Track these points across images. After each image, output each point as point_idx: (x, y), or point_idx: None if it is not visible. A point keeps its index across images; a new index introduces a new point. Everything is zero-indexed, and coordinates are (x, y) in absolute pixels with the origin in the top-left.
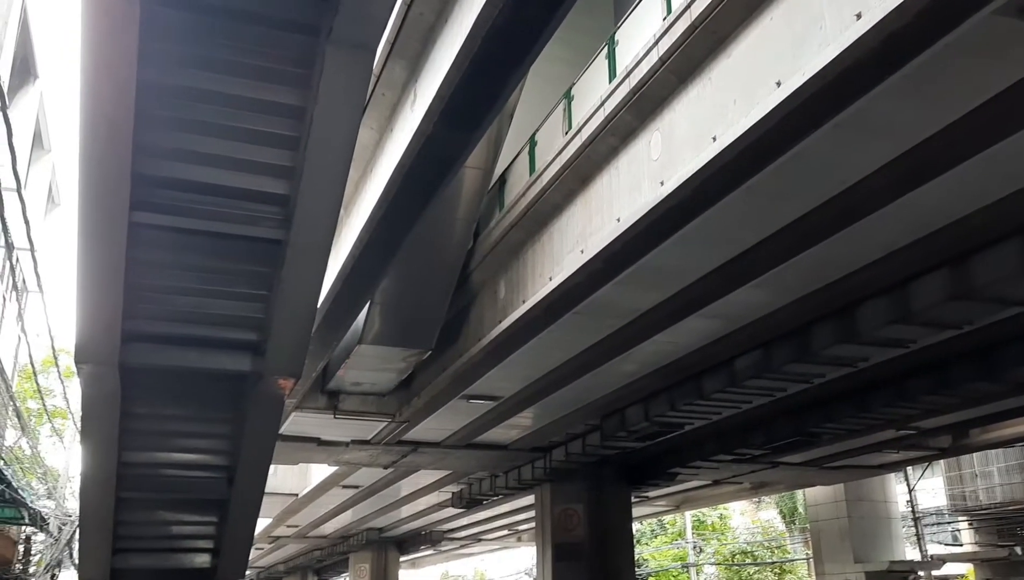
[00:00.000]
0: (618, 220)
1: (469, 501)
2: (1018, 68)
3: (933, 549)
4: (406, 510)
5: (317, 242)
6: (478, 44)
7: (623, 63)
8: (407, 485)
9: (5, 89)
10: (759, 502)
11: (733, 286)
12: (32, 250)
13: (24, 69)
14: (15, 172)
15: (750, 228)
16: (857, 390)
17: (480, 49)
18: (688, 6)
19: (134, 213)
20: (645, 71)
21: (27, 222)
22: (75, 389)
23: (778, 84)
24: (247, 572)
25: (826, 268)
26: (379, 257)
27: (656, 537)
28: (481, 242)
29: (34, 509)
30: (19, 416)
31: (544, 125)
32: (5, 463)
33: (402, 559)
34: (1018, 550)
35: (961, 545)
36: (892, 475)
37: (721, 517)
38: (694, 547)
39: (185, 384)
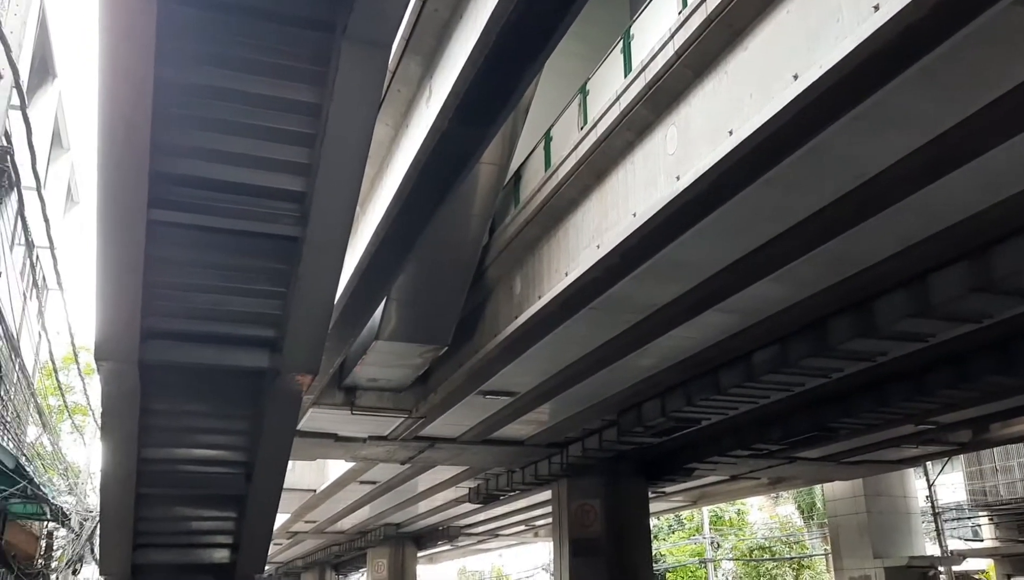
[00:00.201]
0: (634, 215)
1: (486, 497)
2: None
3: (953, 544)
4: (423, 506)
5: (333, 239)
6: (492, 40)
7: (638, 57)
8: (424, 481)
9: (24, 88)
10: (777, 497)
11: (750, 280)
12: (52, 248)
13: (43, 68)
14: (35, 171)
15: (767, 222)
16: (875, 384)
17: (495, 45)
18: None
19: (152, 211)
20: (661, 65)
21: (47, 220)
22: (95, 386)
23: (795, 77)
24: (266, 567)
25: (844, 262)
26: (395, 253)
27: (673, 532)
28: (497, 238)
29: (56, 505)
30: (40, 413)
31: (559, 120)
32: (27, 459)
33: (419, 554)
34: None
35: (981, 540)
36: (911, 470)
37: (739, 512)
38: (711, 542)
39: (203, 381)
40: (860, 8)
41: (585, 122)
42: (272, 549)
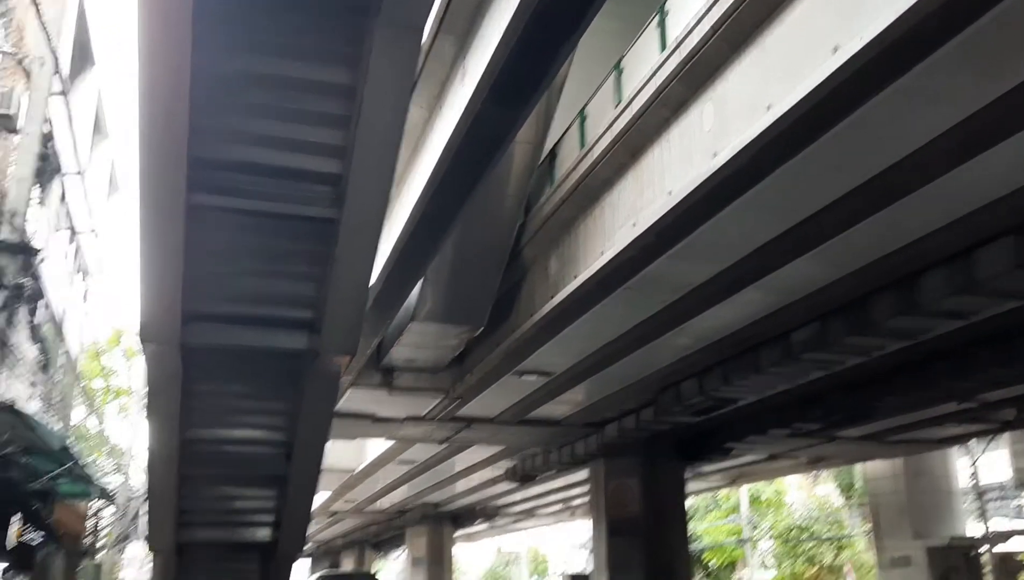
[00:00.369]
0: (670, 193)
1: (523, 476)
2: None
3: (996, 524)
4: (461, 485)
5: (369, 220)
6: (526, 19)
7: (673, 33)
8: (461, 460)
9: (65, 76)
10: (816, 477)
11: (789, 258)
12: (95, 234)
13: (82, 56)
14: (76, 157)
15: (806, 198)
16: (918, 363)
17: (528, 24)
18: None
19: (191, 195)
20: (696, 41)
21: (90, 207)
22: (139, 368)
23: (834, 50)
24: (306, 546)
25: (885, 238)
26: (430, 235)
27: (710, 512)
28: (532, 218)
29: (102, 485)
30: (86, 395)
31: (594, 98)
32: (74, 440)
33: (457, 533)
34: None
35: None
36: (954, 449)
37: (777, 492)
38: (749, 522)
39: (244, 362)
40: None
41: (620, 100)
42: (312, 528)
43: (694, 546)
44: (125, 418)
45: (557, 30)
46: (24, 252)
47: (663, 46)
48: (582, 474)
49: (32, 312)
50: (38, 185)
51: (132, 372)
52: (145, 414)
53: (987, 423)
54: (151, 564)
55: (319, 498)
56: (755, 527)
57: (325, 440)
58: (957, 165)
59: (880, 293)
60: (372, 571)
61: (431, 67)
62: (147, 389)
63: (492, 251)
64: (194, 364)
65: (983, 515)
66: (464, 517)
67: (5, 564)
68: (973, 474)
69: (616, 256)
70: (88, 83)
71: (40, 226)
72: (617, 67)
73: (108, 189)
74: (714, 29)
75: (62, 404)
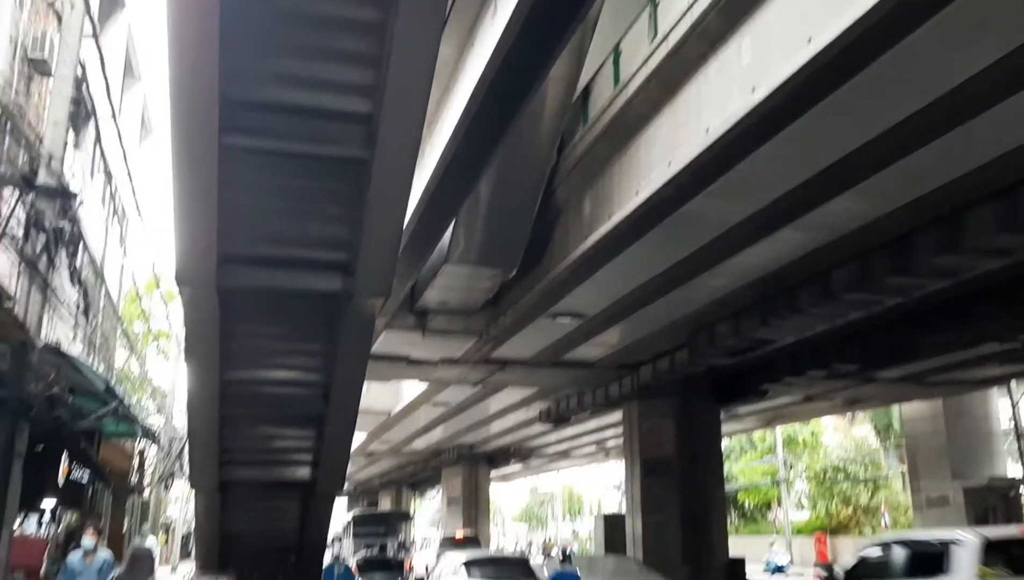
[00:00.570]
0: (707, 130)
1: (557, 418)
2: None
3: None
4: (495, 427)
5: (401, 160)
6: None
7: None
8: (496, 402)
9: (96, 18)
10: (852, 418)
11: (829, 195)
12: (130, 177)
13: None
14: (109, 100)
15: (849, 133)
16: (960, 301)
17: None
18: None
19: (224, 136)
20: None
21: (123, 150)
22: (177, 312)
23: None
24: (345, 486)
25: (929, 174)
26: (462, 176)
27: (745, 453)
28: (565, 157)
29: (145, 425)
30: (127, 337)
31: (628, 33)
32: (117, 381)
33: (492, 474)
34: None
35: None
36: (994, 390)
37: (813, 433)
38: (784, 463)
39: (280, 305)
40: None
41: (656, 34)
42: (351, 468)
43: (729, 487)
44: (165, 361)
45: None
46: (62, 196)
47: None
48: (616, 416)
49: (72, 256)
50: (72, 129)
51: (171, 316)
52: (184, 356)
53: None
54: (195, 502)
55: (357, 439)
56: (790, 468)
57: (361, 381)
58: (1004, 99)
59: (923, 231)
60: (406, 510)
61: (461, 4)
62: (186, 332)
63: (525, 192)
64: (231, 307)
65: (1022, 456)
66: (499, 458)
67: (55, 500)
68: (1013, 415)
69: (651, 195)
70: (118, 25)
71: (76, 170)
72: (653, 0)
73: (141, 133)
74: None
75: (104, 347)
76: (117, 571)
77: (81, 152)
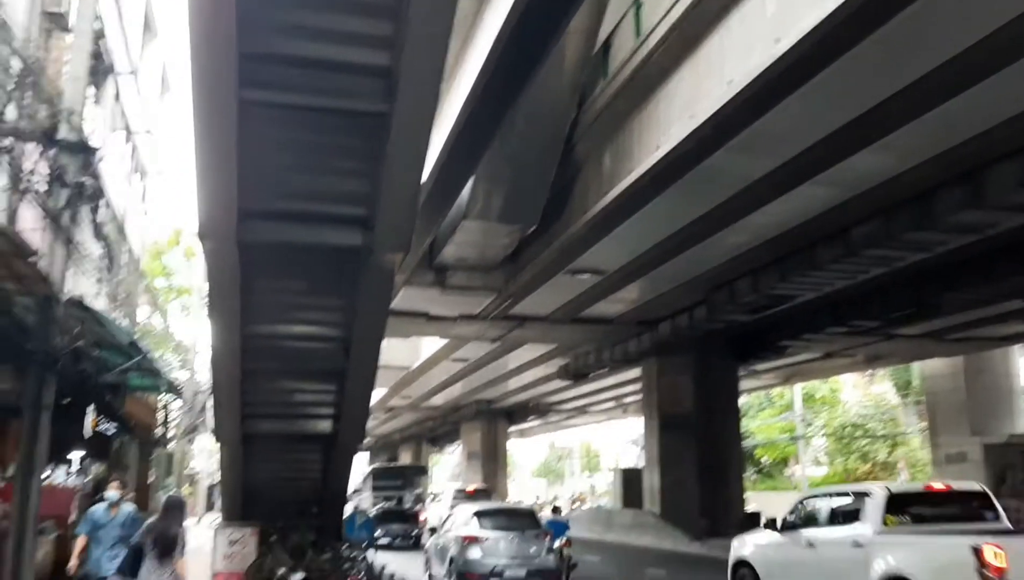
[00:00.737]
0: (729, 83)
1: (575, 374)
2: None
3: None
4: (514, 383)
5: (420, 114)
6: None
7: None
8: (514, 358)
9: None
10: (872, 375)
11: (852, 150)
12: (150, 133)
13: None
14: (128, 56)
15: (872, 86)
16: (982, 258)
17: None
18: None
19: (243, 90)
20: None
21: (143, 106)
22: (199, 268)
23: None
24: (366, 440)
25: (953, 129)
26: (481, 131)
27: (763, 410)
28: (585, 112)
29: (169, 378)
30: (149, 292)
31: None
32: (141, 336)
33: (511, 429)
34: None
35: None
36: (1016, 347)
37: (832, 390)
38: (802, 420)
39: (301, 260)
40: None
41: None
42: (371, 423)
43: (746, 443)
44: (187, 316)
45: None
46: (83, 151)
47: None
48: (634, 372)
49: (94, 211)
50: (92, 85)
51: (192, 272)
52: (207, 311)
53: None
54: (219, 454)
55: (377, 394)
56: (808, 425)
57: (381, 336)
58: None
59: (946, 186)
60: (423, 465)
61: None
62: (208, 287)
63: (544, 147)
64: (252, 261)
65: None
66: (518, 413)
67: (83, 453)
68: None
69: (672, 150)
70: None
71: (96, 126)
72: None
73: (160, 89)
74: None
75: (127, 302)
76: (152, 519)
77: (101, 108)
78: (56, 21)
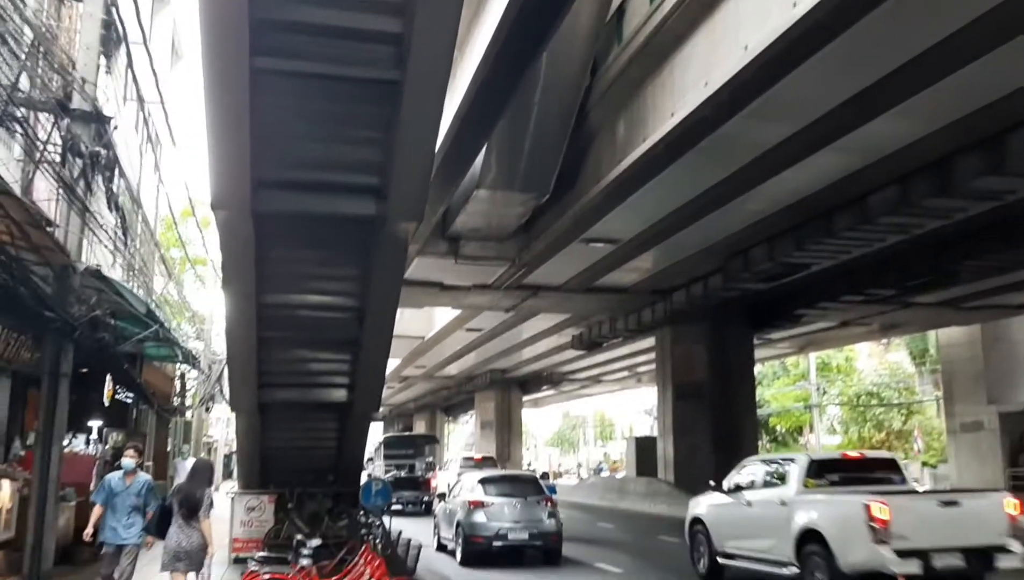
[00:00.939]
0: (745, 48)
1: (589, 343)
2: None
3: None
4: (527, 352)
5: (432, 81)
6: None
7: None
8: (528, 328)
9: None
10: (888, 343)
11: (870, 116)
12: (162, 102)
13: None
14: (140, 24)
15: (891, 50)
16: (1001, 224)
17: None
18: None
19: (255, 59)
20: None
21: (155, 74)
22: (213, 238)
23: None
24: (381, 409)
25: (973, 93)
26: (494, 98)
27: (778, 379)
28: (599, 79)
29: (186, 348)
30: (164, 263)
31: None
32: (157, 306)
33: (524, 399)
34: None
35: None
36: None
37: (847, 359)
38: (817, 388)
39: (315, 229)
40: None
41: None
42: (386, 392)
43: (761, 412)
44: (203, 287)
45: None
46: (97, 120)
47: None
48: (648, 341)
49: (108, 181)
50: (104, 54)
51: (207, 242)
52: (222, 281)
53: None
54: (236, 423)
55: (391, 364)
56: (823, 393)
57: (395, 305)
58: None
59: (966, 152)
60: (433, 434)
61: None
62: (223, 257)
63: (557, 115)
64: (266, 231)
65: None
66: (531, 383)
67: (101, 421)
68: None
69: (687, 117)
70: None
71: (109, 96)
72: None
73: (172, 58)
74: None
75: (143, 272)
76: (179, 482)
77: (113, 78)
78: None
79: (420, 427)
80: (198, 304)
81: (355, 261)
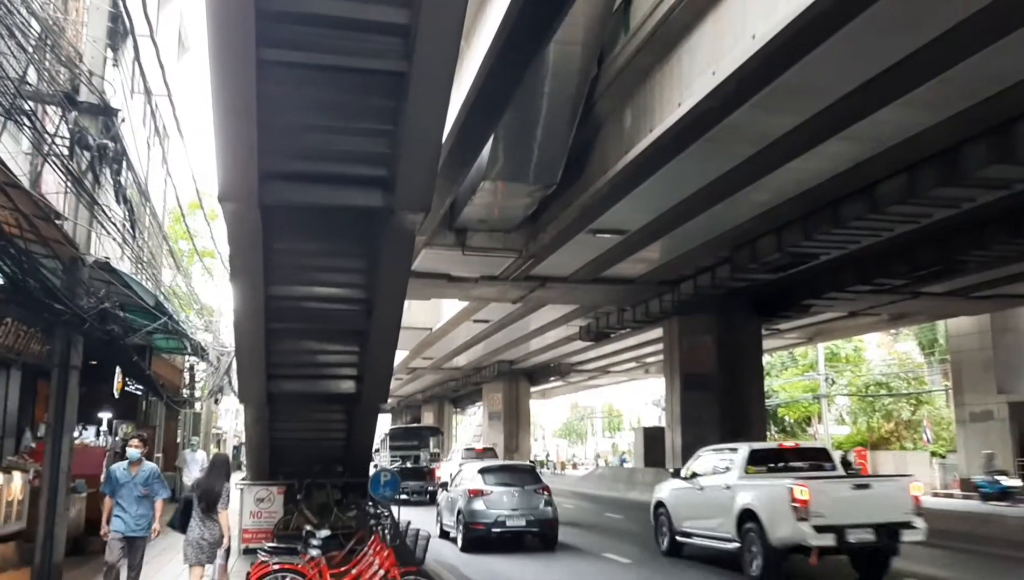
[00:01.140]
0: (753, 37)
1: (597, 334)
2: None
3: None
4: (535, 343)
5: (439, 73)
6: None
7: None
8: (536, 319)
9: None
10: (896, 334)
11: (878, 105)
12: (169, 95)
13: None
14: (146, 16)
15: (901, 38)
16: (1010, 213)
17: None
18: None
19: (261, 50)
20: None
21: (162, 67)
22: (221, 231)
23: None
24: (389, 400)
25: (982, 81)
26: (500, 89)
27: (786, 369)
28: (606, 69)
29: (195, 341)
30: (173, 255)
31: None
32: (165, 298)
33: (532, 390)
34: None
35: None
36: None
37: (856, 349)
38: (826, 379)
39: (322, 221)
40: None
41: None
42: (393, 384)
43: (769, 402)
44: (210, 280)
45: None
46: (105, 113)
47: None
48: (656, 332)
49: (116, 174)
50: (111, 47)
51: (215, 235)
52: (230, 273)
53: None
54: (244, 415)
55: (399, 355)
56: (832, 384)
57: (403, 296)
58: None
59: (974, 141)
60: (437, 426)
61: None
62: (230, 249)
63: (564, 106)
64: (274, 223)
65: None
66: (539, 374)
67: (111, 414)
68: None
69: (694, 107)
70: None
71: (116, 88)
72: None
73: (178, 51)
74: None
75: (151, 264)
76: (187, 473)
77: (120, 70)
78: None
79: (428, 419)
80: (206, 296)
81: (362, 253)
